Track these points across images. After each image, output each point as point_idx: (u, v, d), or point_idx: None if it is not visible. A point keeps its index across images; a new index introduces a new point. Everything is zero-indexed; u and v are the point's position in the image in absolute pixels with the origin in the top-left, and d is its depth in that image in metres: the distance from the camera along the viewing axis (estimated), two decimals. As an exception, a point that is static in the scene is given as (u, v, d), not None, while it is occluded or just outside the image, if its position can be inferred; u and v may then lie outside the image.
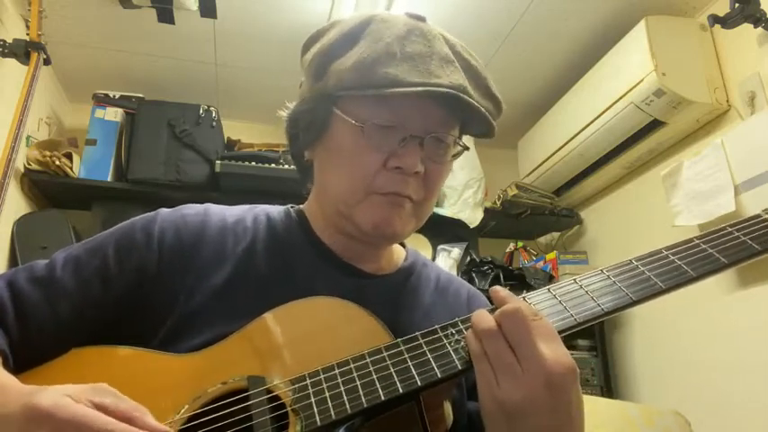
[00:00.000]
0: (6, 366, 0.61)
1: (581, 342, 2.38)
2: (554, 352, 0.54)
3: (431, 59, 0.70)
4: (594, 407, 1.67)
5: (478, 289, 0.90)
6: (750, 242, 0.63)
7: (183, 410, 0.58)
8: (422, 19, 0.76)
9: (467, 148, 0.77)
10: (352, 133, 0.72)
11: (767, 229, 0.64)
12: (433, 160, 0.73)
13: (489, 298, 0.74)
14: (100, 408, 0.49)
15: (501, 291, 0.60)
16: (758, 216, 0.66)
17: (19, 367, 0.62)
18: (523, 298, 0.62)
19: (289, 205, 0.85)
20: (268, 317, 0.66)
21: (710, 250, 0.63)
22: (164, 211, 0.77)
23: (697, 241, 0.65)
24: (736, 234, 0.64)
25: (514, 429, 0.53)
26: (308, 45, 0.79)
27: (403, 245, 0.88)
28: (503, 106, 0.77)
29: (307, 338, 0.64)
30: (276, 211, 0.83)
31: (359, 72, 0.69)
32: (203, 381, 0.61)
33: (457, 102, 0.70)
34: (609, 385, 2.32)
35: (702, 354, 1.97)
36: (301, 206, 0.85)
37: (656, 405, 1.99)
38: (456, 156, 0.77)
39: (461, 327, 0.60)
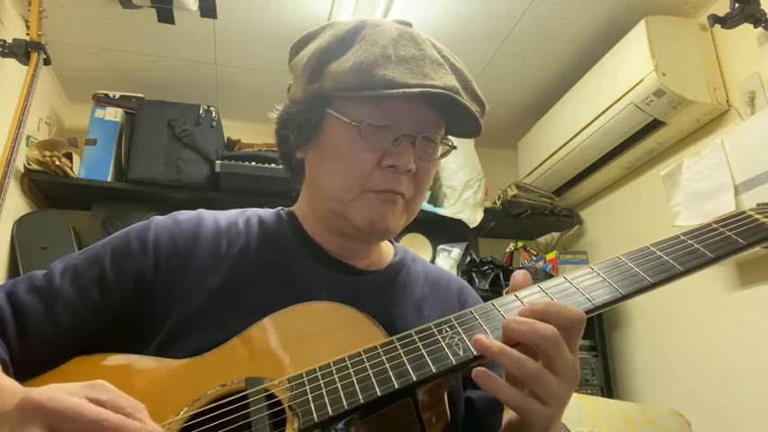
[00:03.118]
0: (6, 374, 0.61)
1: (581, 342, 2.36)
2: None
3: (423, 62, 0.73)
4: (594, 407, 1.67)
5: (478, 289, 0.91)
6: (735, 237, 0.64)
7: (182, 412, 0.59)
8: (409, 24, 0.79)
9: (454, 147, 0.80)
10: (348, 133, 0.73)
11: (752, 224, 0.66)
12: (423, 159, 0.76)
13: (484, 298, 0.75)
14: (96, 403, 0.49)
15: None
16: (743, 212, 0.68)
17: (20, 377, 0.61)
18: (515, 295, 0.63)
19: (279, 207, 0.86)
20: (266, 321, 0.66)
21: (696, 245, 0.64)
22: (158, 218, 0.79)
23: (683, 237, 0.66)
24: (722, 230, 0.66)
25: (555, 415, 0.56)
26: (299, 48, 0.80)
27: (392, 242, 0.90)
28: (486, 108, 0.81)
29: (304, 342, 0.64)
30: (267, 213, 0.85)
31: (357, 74, 0.71)
32: (202, 384, 0.62)
33: (448, 103, 0.72)
34: (609, 385, 2.32)
35: (702, 353, 1.96)
36: (291, 208, 0.86)
37: (656, 405, 1.99)
38: (444, 155, 0.80)
39: (453, 322, 0.61)
